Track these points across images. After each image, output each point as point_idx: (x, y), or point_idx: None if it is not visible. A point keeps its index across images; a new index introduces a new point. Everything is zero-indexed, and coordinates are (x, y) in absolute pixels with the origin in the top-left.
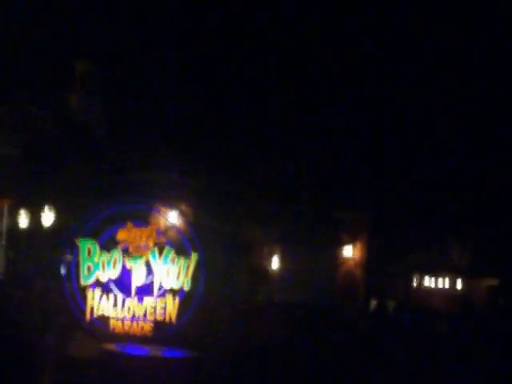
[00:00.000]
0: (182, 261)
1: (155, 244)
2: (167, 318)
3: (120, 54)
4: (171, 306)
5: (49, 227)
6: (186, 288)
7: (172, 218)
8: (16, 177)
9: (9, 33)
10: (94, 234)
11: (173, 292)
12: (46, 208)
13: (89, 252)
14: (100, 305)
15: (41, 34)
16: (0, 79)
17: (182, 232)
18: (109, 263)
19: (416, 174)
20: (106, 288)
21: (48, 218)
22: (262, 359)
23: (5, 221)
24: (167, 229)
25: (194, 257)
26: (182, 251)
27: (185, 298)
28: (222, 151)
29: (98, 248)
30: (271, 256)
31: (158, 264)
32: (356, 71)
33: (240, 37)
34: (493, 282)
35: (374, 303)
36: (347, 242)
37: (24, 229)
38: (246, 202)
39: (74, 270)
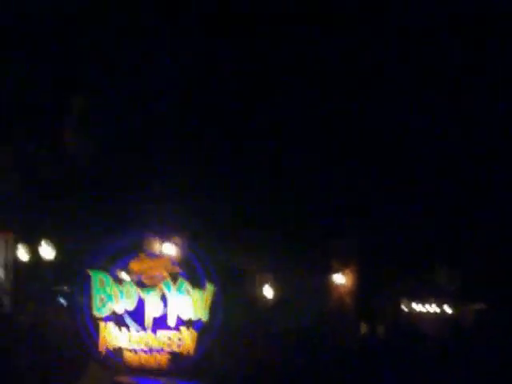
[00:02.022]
0: (197, 292)
1: (169, 275)
2: (183, 350)
3: (117, 88)
4: (188, 337)
5: (52, 260)
6: (203, 319)
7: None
8: (17, 211)
9: (6, 71)
10: (105, 266)
11: (189, 324)
12: (47, 241)
13: (101, 283)
14: (114, 337)
15: (37, 71)
16: None
17: (197, 262)
18: (122, 294)
19: (404, 200)
20: (119, 320)
21: (49, 251)
22: None
23: (9, 254)
24: (181, 259)
25: (209, 287)
26: (196, 282)
27: (202, 330)
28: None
29: (110, 279)
30: (263, 285)
31: (172, 295)
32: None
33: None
34: (481, 306)
35: (364, 327)
36: (337, 269)
37: (27, 262)
38: (237, 231)
39: (87, 301)
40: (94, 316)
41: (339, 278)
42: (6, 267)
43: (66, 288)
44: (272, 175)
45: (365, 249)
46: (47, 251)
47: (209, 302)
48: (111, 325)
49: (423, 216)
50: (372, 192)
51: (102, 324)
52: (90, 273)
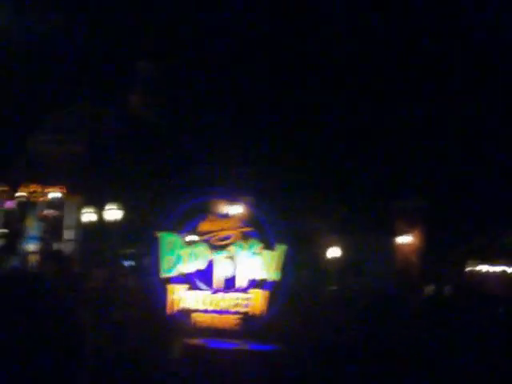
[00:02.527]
0: (268, 252)
1: (240, 235)
2: (254, 311)
3: (180, 50)
4: (259, 298)
5: (120, 222)
6: (275, 279)
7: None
8: (84, 173)
9: (75, 33)
10: (175, 227)
11: (259, 284)
12: (114, 204)
13: (171, 245)
14: (182, 298)
15: (104, 33)
16: (65, 80)
17: (267, 223)
18: (192, 256)
19: (471, 162)
20: (189, 281)
21: (115, 212)
22: (346, 352)
23: (77, 216)
24: (251, 220)
25: (280, 248)
26: (266, 242)
27: (273, 290)
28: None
29: (180, 241)
30: (330, 246)
31: (243, 256)
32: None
33: None
34: None
35: (430, 289)
36: (404, 230)
37: (95, 223)
38: (304, 194)
39: (155, 263)
40: (163, 278)
41: (405, 240)
42: (75, 228)
43: (133, 250)
44: (336, 139)
45: (431, 210)
46: (114, 214)
47: (280, 262)
48: (180, 286)
49: (489, 177)
50: (440, 153)
51: (170, 286)
52: (159, 235)
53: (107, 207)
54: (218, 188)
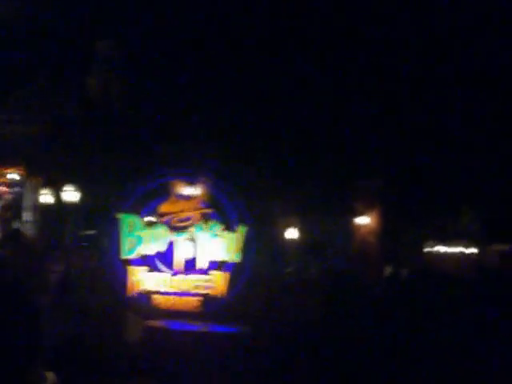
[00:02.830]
0: (228, 234)
1: (200, 216)
2: (215, 293)
3: (139, 31)
4: (219, 280)
5: (77, 203)
6: (236, 261)
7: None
8: (43, 155)
9: (33, 13)
10: (135, 209)
11: (220, 266)
12: (72, 185)
13: (131, 226)
14: (143, 280)
15: (64, 13)
16: (24, 60)
17: (228, 204)
18: (152, 237)
19: (430, 141)
20: (149, 262)
21: (74, 194)
22: (309, 333)
23: (35, 197)
24: (212, 201)
25: (241, 229)
26: (227, 223)
27: (234, 272)
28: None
29: (140, 222)
30: (288, 227)
31: (203, 237)
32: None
33: None
34: (505, 247)
35: (388, 270)
36: (362, 211)
37: (53, 205)
38: (264, 175)
39: (115, 244)
40: (123, 259)
41: (363, 221)
42: (34, 210)
43: (93, 232)
44: (298, 119)
45: (389, 190)
46: (73, 195)
47: (240, 243)
48: (140, 268)
49: (447, 157)
50: (398, 133)
51: (131, 268)
52: (120, 216)
53: (66, 189)
54: (178, 169)
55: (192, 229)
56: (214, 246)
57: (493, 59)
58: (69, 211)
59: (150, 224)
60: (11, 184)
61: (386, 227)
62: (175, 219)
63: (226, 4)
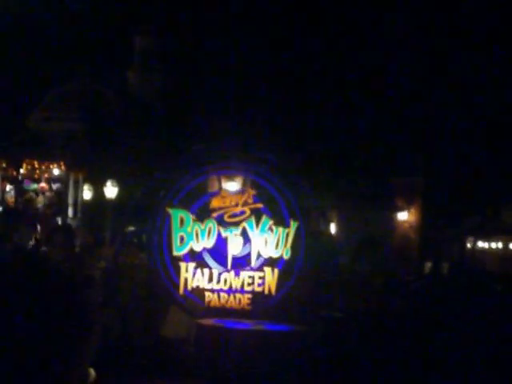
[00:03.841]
0: (280, 229)
1: (252, 211)
2: (266, 290)
3: (179, 28)
4: (270, 277)
5: (119, 199)
6: (286, 257)
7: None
8: (86, 150)
9: (71, 9)
10: (185, 204)
11: (272, 262)
12: (113, 180)
13: (181, 221)
14: (194, 277)
15: (103, 10)
16: (64, 58)
17: (280, 199)
18: (203, 233)
19: (469, 138)
20: (200, 259)
21: (115, 190)
22: (365, 331)
23: (78, 194)
24: (264, 195)
25: (293, 224)
26: (279, 219)
27: (284, 269)
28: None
29: (191, 217)
30: (328, 223)
31: (255, 233)
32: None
33: None
34: None
35: (428, 266)
36: (402, 207)
37: (96, 201)
38: (303, 170)
39: (166, 240)
40: (175, 256)
41: (405, 216)
42: (76, 206)
43: (143, 227)
44: (335, 115)
45: (430, 186)
46: (113, 190)
47: (292, 239)
48: (192, 265)
49: (489, 154)
50: (438, 130)
51: (182, 264)
52: (170, 211)
53: (107, 184)
54: (229, 162)
55: (243, 224)
56: (266, 241)
57: None
58: (111, 207)
59: (201, 219)
60: (53, 180)
61: (427, 223)
62: (226, 214)
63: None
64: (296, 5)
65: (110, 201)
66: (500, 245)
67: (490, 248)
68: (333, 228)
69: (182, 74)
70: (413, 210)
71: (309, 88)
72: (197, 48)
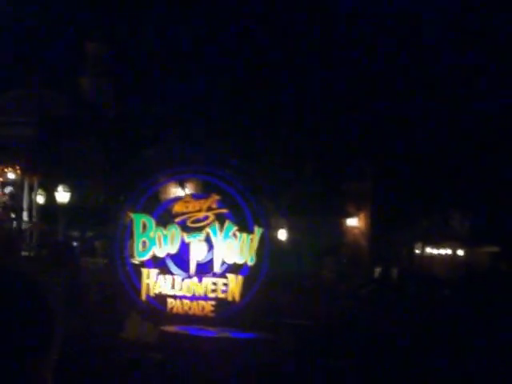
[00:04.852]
0: (244, 235)
1: (216, 217)
2: (229, 297)
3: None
4: (233, 283)
5: (73, 204)
6: (250, 264)
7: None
8: (39, 155)
9: (23, 16)
10: (148, 208)
11: (236, 269)
12: (66, 186)
13: (144, 227)
14: (157, 283)
15: (54, 17)
16: (15, 63)
17: (244, 204)
18: (166, 239)
19: (417, 145)
20: (163, 265)
21: (66, 195)
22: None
23: (32, 198)
24: (228, 201)
25: (257, 231)
26: (243, 225)
27: (248, 276)
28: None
29: (153, 222)
30: (278, 228)
31: (218, 238)
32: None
33: None
34: (494, 248)
35: (378, 271)
36: (352, 212)
37: (49, 205)
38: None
39: (128, 245)
40: (136, 261)
41: (354, 221)
42: (29, 211)
43: (102, 232)
44: (288, 119)
45: (378, 192)
46: (65, 196)
47: (256, 246)
48: (154, 271)
49: (435, 160)
50: (387, 136)
51: (144, 270)
52: (132, 216)
53: (61, 189)
54: (192, 167)
55: (207, 230)
56: (230, 247)
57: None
58: (63, 212)
59: (164, 224)
60: (5, 184)
61: (376, 229)
62: (189, 220)
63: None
64: None
65: (62, 206)
66: (448, 251)
67: (438, 254)
68: (282, 234)
69: (134, 79)
70: (362, 216)
71: (260, 90)
72: (149, 50)
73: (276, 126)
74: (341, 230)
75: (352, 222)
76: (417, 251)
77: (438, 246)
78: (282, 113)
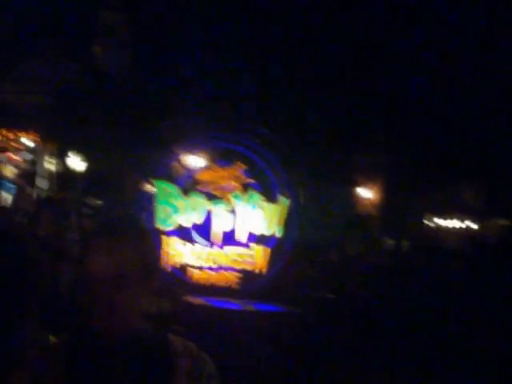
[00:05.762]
0: (271, 206)
1: (241, 186)
2: (255, 269)
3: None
4: (260, 255)
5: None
6: (278, 236)
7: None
8: (57, 124)
9: None
10: (172, 176)
11: (261, 240)
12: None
13: (166, 194)
14: (178, 253)
15: None
16: (31, 32)
17: (271, 174)
18: (189, 207)
19: (431, 116)
20: (185, 234)
21: (81, 163)
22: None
23: (49, 165)
24: (254, 169)
25: (283, 201)
26: (269, 194)
27: (275, 247)
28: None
29: (176, 190)
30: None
31: (243, 208)
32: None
33: None
34: (506, 222)
35: (389, 244)
36: (364, 184)
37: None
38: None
39: (150, 213)
40: (157, 229)
41: (366, 193)
42: (48, 178)
43: (123, 199)
44: (302, 92)
45: (390, 164)
46: (82, 165)
47: (283, 216)
48: (175, 239)
49: (448, 131)
50: (399, 108)
51: (166, 239)
52: (154, 182)
53: (76, 156)
54: (218, 135)
55: (231, 199)
56: (255, 217)
57: None
58: (79, 180)
59: (187, 192)
60: (22, 150)
61: (388, 200)
62: (214, 187)
63: None
64: None
65: (79, 174)
66: (462, 224)
67: (452, 227)
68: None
69: (150, 47)
70: (374, 188)
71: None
72: (166, 20)
73: (288, 98)
74: (360, 202)
75: (364, 193)
76: (430, 224)
77: (449, 218)
78: (294, 84)
